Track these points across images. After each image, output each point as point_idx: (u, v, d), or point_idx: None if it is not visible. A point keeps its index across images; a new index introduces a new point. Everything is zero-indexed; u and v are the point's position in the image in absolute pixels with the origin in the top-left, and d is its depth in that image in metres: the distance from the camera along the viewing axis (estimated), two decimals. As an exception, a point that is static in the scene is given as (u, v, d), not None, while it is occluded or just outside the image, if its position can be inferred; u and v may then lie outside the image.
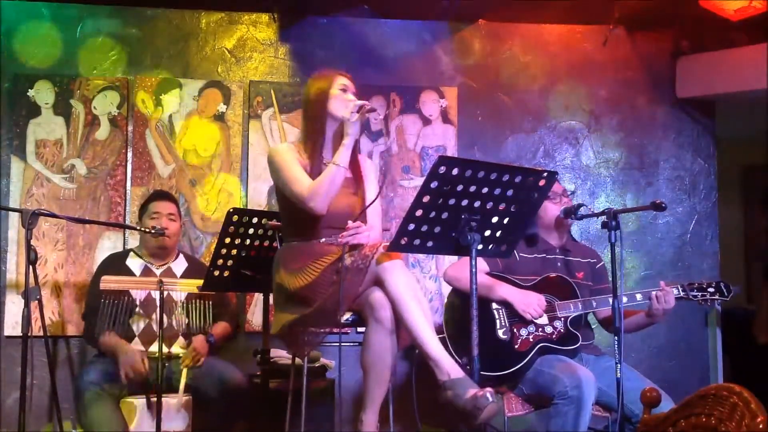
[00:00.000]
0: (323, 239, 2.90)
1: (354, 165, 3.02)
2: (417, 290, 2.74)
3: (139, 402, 3.48)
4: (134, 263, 3.77)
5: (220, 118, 4.35)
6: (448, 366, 2.59)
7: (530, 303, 3.23)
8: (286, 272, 2.87)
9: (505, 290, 3.27)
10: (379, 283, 2.72)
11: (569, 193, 3.52)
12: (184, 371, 3.52)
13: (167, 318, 3.59)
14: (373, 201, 2.95)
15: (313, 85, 3.07)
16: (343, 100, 2.98)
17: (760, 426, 1.69)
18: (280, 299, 2.91)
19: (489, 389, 2.47)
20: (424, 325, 2.65)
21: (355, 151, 3.01)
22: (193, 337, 3.61)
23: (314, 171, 2.94)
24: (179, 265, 3.84)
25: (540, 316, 3.25)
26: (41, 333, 3.28)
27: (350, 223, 2.79)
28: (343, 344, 2.75)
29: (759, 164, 5.91)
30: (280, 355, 3.75)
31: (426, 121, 4.49)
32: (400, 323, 2.71)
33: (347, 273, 2.70)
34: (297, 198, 2.89)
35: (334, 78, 3.04)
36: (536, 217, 3.37)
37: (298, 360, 3.16)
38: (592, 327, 3.53)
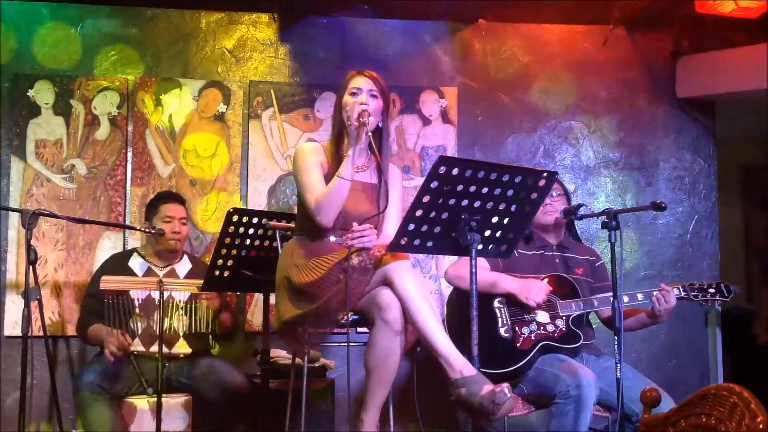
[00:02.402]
0: (333, 238, 2.90)
1: (380, 172, 3.00)
2: (425, 289, 2.73)
3: (139, 402, 3.48)
4: (137, 264, 3.77)
5: (220, 118, 4.35)
6: (460, 363, 2.57)
7: (531, 289, 3.22)
8: (293, 265, 2.87)
9: (506, 282, 3.26)
10: (387, 283, 2.71)
11: (561, 193, 3.50)
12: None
13: (168, 318, 3.59)
14: (381, 212, 2.90)
15: (339, 89, 3.06)
16: (351, 106, 2.94)
17: (760, 426, 1.69)
18: (286, 293, 2.90)
19: (506, 384, 2.46)
20: (434, 324, 2.64)
21: (384, 157, 3.00)
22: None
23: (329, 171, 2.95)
24: (183, 266, 3.84)
25: (543, 302, 3.23)
26: (41, 333, 3.28)
27: (355, 225, 2.77)
28: (342, 344, 2.75)
29: (759, 164, 5.91)
30: (280, 355, 3.75)
31: (426, 121, 4.49)
32: (408, 323, 2.70)
33: (353, 272, 2.70)
34: (307, 207, 2.91)
35: (348, 81, 3.01)
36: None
37: (298, 360, 3.16)
38: (593, 326, 3.53)
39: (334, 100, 3.10)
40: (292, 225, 3.19)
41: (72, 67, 4.28)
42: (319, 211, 2.84)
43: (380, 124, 3.01)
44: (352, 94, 2.97)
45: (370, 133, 2.83)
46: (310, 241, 2.93)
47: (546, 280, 3.35)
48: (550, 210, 3.43)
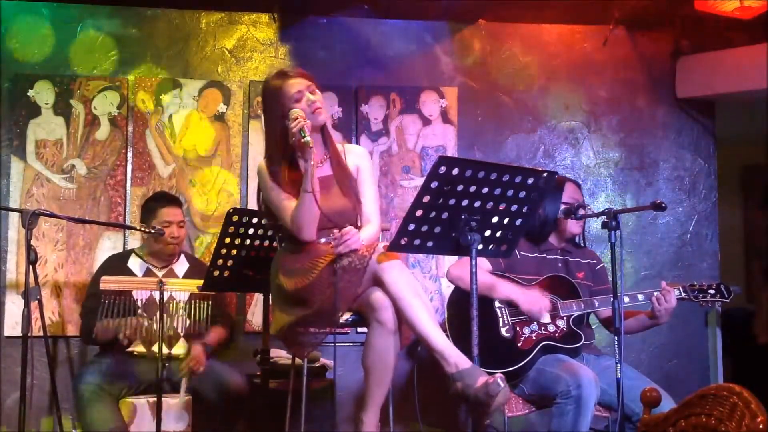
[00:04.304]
0: (322, 240, 2.89)
1: (337, 160, 2.97)
2: (417, 287, 2.72)
3: (139, 402, 3.48)
4: (136, 264, 3.77)
5: (220, 118, 4.35)
6: (454, 357, 2.57)
7: (535, 302, 3.23)
8: (284, 274, 2.86)
9: (509, 289, 3.26)
10: (378, 283, 2.71)
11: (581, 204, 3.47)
12: (183, 379, 3.52)
13: (168, 319, 3.59)
14: (360, 223, 2.88)
15: (270, 94, 2.90)
16: (302, 113, 2.80)
17: (760, 426, 1.69)
18: (279, 300, 2.90)
19: (499, 375, 2.46)
20: (428, 320, 2.63)
21: (335, 148, 2.97)
22: (192, 345, 3.60)
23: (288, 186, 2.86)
24: (181, 266, 3.84)
25: (544, 315, 3.24)
26: (41, 333, 3.28)
27: (335, 232, 2.75)
28: (342, 344, 2.75)
29: (759, 164, 5.91)
30: (280, 355, 3.75)
31: (426, 121, 4.49)
32: (402, 321, 2.70)
33: (344, 273, 2.69)
34: (286, 226, 2.86)
35: (281, 88, 2.86)
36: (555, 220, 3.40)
37: (298, 360, 3.16)
38: (592, 327, 3.53)
39: (268, 108, 2.92)
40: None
41: (72, 67, 4.28)
42: (299, 229, 2.81)
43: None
44: (296, 100, 2.84)
45: (309, 133, 2.73)
46: (297, 248, 2.90)
47: (547, 279, 3.36)
48: (580, 221, 3.42)
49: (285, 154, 2.88)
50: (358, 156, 3.07)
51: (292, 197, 2.84)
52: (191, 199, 4.27)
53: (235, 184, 4.33)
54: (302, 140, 2.72)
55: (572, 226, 3.42)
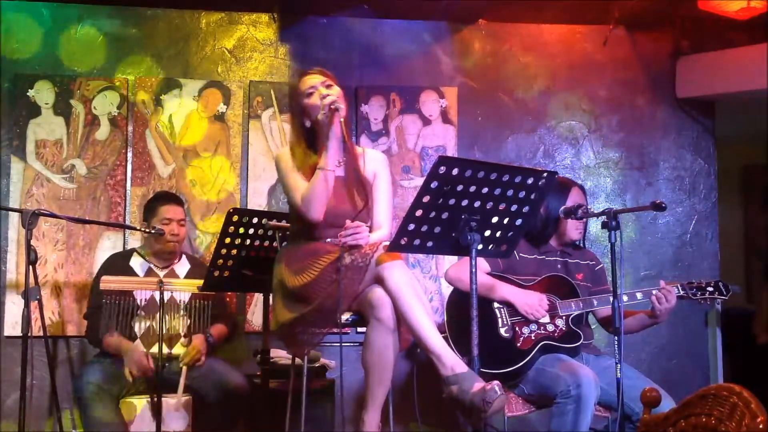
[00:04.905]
0: (328, 239, 2.90)
1: (354, 163, 3.00)
2: (417, 288, 2.73)
3: (139, 402, 3.48)
4: (137, 264, 3.78)
5: (220, 118, 4.35)
6: (451, 361, 2.57)
7: (533, 304, 3.23)
8: (287, 271, 2.88)
9: (507, 290, 3.27)
10: (379, 281, 2.72)
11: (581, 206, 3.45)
12: (184, 370, 3.52)
13: (169, 319, 3.59)
14: (362, 209, 2.91)
15: (289, 93, 3.09)
16: (313, 106, 2.93)
17: (760, 426, 1.69)
18: (280, 297, 2.91)
19: (496, 382, 2.46)
20: (426, 321, 2.64)
21: (353, 148, 3.00)
22: (193, 336, 3.62)
23: (308, 176, 2.93)
24: (182, 266, 3.84)
25: (543, 317, 3.25)
26: (41, 333, 3.28)
27: (348, 223, 2.78)
28: (343, 344, 2.75)
29: (759, 164, 5.91)
30: (280, 355, 3.75)
31: (426, 121, 4.49)
32: (401, 321, 2.71)
33: (347, 271, 2.70)
34: (295, 207, 2.92)
35: (297, 87, 3.01)
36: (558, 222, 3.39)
37: (298, 360, 3.16)
38: (592, 327, 3.53)
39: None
40: (292, 225, 3.20)
41: (72, 67, 4.28)
42: (307, 206, 2.85)
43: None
44: (309, 95, 2.95)
45: (342, 120, 2.82)
46: (302, 244, 2.93)
47: (546, 279, 3.36)
48: (580, 226, 3.42)
49: (305, 144, 2.98)
50: (377, 162, 3.10)
51: (307, 180, 2.89)
52: (191, 200, 4.27)
53: (235, 184, 4.33)
54: (333, 106, 2.81)
55: (572, 232, 3.41)
